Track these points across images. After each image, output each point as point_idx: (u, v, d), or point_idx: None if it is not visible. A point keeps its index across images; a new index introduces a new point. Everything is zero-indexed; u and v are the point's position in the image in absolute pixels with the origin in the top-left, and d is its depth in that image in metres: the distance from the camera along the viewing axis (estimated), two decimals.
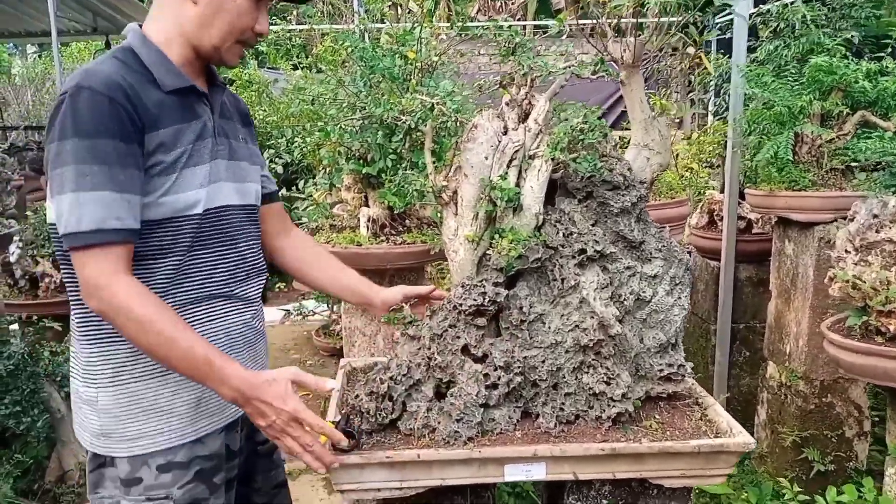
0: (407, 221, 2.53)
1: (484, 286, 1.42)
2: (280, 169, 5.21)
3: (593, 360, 1.46)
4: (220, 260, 1.31)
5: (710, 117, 6.19)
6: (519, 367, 1.43)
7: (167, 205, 1.20)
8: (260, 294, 1.45)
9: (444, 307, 1.47)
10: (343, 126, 2.22)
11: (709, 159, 4.08)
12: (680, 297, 1.55)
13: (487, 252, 1.46)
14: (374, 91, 2.21)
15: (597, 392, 1.46)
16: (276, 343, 5.14)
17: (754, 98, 2.73)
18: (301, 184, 3.71)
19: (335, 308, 4.81)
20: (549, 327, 1.45)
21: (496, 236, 1.42)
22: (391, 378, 1.45)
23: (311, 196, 3.14)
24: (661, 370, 1.55)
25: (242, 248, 1.36)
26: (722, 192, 3.46)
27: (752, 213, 3.33)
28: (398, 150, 2.20)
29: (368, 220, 2.47)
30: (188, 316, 1.26)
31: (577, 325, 1.44)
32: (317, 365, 4.71)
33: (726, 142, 3.40)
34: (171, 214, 1.21)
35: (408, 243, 2.44)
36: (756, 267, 3.31)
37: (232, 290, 1.34)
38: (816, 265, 2.58)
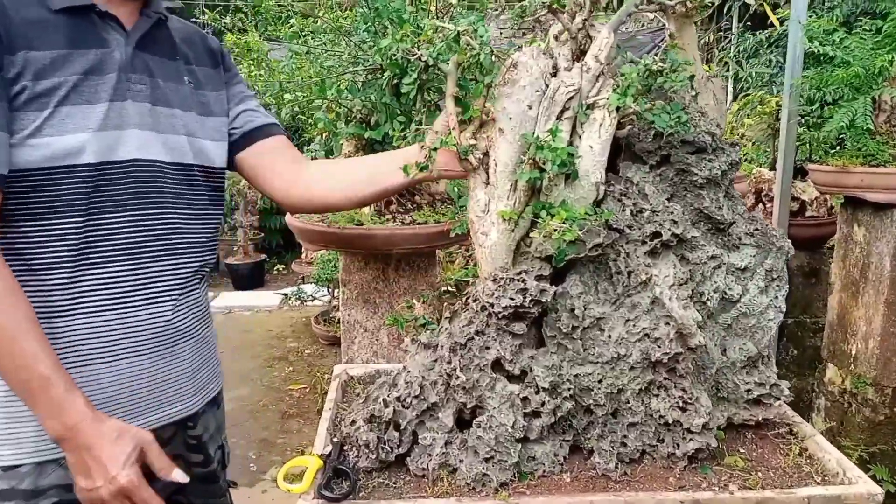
0: (417, 197, 2.15)
1: (524, 280, 1.06)
2: None
3: (665, 378, 1.11)
4: (133, 230, 1.04)
5: (729, 96, 5.79)
6: (569, 388, 1.08)
7: (38, 149, 0.95)
8: (193, 280, 1.13)
9: (469, 308, 1.11)
10: (341, 81, 1.84)
11: (748, 133, 3.69)
12: (776, 297, 1.20)
13: (529, 235, 1.09)
14: (380, 38, 1.84)
15: (669, 421, 1.11)
16: (273, 330, 4.83)
17: (818, 59, 2.34)
18: None
19: (336, 293, 4.47)
20: (610, 336, 1.09)
21: (542, 213, 1.05)
22: (398, 399, 1.11)
23: None
24: (748, 391, 1.20)
25: (170, 217, 1.08)
26: (771, 169, 3.08)
27: (805, 194, 2.95)
28: (408, 111, 1.82)
29: None
30: (82, 305, 1.01)
31: (646, 334, 1.08)
32: (315, 354, 4.38)
33: (777, 112, 3.01)
34: (45, 163, 0.96)
35: (418, 223, 2.07)
36: (809, 255, 2.96)
37: (146, 271, 1.06)
38: (895, 254, 2.21)
